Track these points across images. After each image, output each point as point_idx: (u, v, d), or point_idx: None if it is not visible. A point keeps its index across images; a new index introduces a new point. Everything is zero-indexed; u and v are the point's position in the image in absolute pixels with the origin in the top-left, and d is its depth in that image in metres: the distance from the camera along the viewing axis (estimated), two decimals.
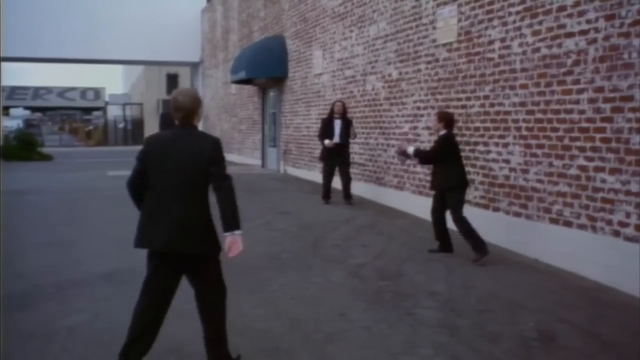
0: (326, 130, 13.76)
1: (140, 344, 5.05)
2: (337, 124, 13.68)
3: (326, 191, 13.94)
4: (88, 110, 70.25)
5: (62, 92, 69.43)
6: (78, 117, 70.49)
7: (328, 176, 13.99)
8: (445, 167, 8.97)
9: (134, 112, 61.53)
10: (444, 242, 9.27)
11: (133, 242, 5.00)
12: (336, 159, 13.79)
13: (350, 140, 13.95)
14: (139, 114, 59.13)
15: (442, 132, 9.08)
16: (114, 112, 65.29)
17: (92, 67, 70.04)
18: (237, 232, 4.87)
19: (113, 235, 10.85)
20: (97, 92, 69.79)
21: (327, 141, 13.63)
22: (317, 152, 17.67)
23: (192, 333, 6.07)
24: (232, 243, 4.85)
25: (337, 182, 14.01)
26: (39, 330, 6.20)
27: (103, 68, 75.05)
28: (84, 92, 70.20)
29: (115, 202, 14.57)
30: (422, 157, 9.36)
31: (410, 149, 9.25)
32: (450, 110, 10.91)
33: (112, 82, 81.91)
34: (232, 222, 4.88)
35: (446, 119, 9.15)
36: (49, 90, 68.62)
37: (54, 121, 69.06)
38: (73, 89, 70.11)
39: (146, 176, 4.93)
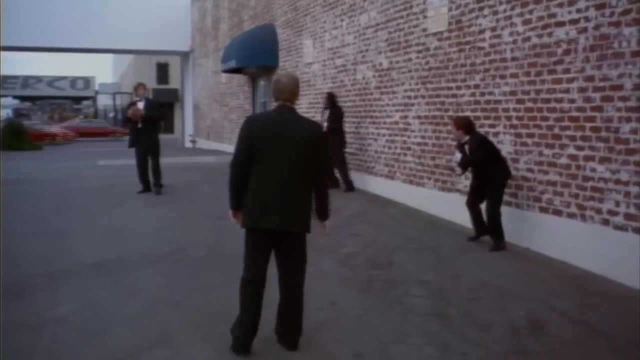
0: None
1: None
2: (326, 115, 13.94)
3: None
4: (78, 100, 70.14)
5: (52, 81, 69.24)
6: (68, 106, 70.34)
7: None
8: (490, 167, 8.80)
9: (124, 101, 61.30)
10: (482, 229, 9.10)
11: (245, 224, 5.26)
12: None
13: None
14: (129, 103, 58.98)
15: (466, 137, 8.92)
16: (104, 101, 65.17)
17: (82, 57, 69.93)
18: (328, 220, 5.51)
19: (103, 224, 10.86)
20: (87, 82, 69.63)
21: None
22: None
23: (181, 323, 6.09)
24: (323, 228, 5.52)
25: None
26: (30, 319, 6.19)
27: (93, 57, 74.94)
28: (73, 81, 70.03)
29: (105, 192, 14.62)
30: (465, 163, 9.03)
31: (457, 155, 9.07)
32: (442, 99, 10.94)
33: (102, 71, 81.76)
34: (325, 211, 5.47)
35: (464, 125, 8.98)
36: (38, 79, 68.43)
37: (44, 110, 68.90)
38: (63, 78, 69.93)
39: (252, 157, 5.14)
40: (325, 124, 13.33)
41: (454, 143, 9.42)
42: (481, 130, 9.89)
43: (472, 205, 9.12)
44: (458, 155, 9.02)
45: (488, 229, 8.96)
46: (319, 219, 5.44)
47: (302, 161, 5.17)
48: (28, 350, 5.50)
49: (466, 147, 8.94)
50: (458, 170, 9.33)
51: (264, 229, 5.19)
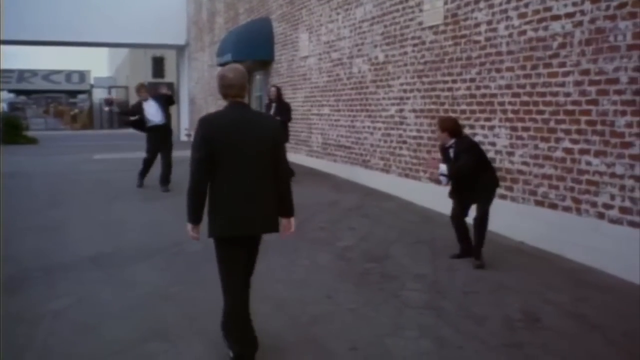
0: None
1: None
2: (273, 109, 14.44)
3: None
4: (73, 94, 69.91)
5: (47, 75, 69.03)
6: (63, 100, 70.15)
7: None
8: (480, 174, 7.84)
9: (119, 94, 61.21)
10: (468, 245, 8.08)
11: (213, 232, 4.90)
12: None
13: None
14: (125, 97, 58.83)
15: (451, 141, 7.93)
16: (99, 95, 65.01)
17: (77, 50, 69.72)
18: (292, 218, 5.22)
19: (99, 218, 10.86)
20: (83, 75, 69.40)
21: None
22: (303, 135, 17.68)
23: (176, 316, 6.10)
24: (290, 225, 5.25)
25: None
26: (26, 313, 6.20)
27: (88, 51, 74.74)
28: (69, 75, 69.81)
29: (101, 186, 14.62)
30: (454, 172, 7.86)
31: (443, 167, 7.93)
32: (438, 93, 10.94)
33: (98, 65, 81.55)
34: (291, 208, 5.21)
35: (450, 127, 7.99)
36: (33, 73, 68.19)
37: (39, 104, 68.71)
38: (58, 71, 69.71)
39: (212, 161, 4.79)
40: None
41: (438, 157, 8.58)
42: (476, 124, 9.90)
43: (459, 220, 8.13)
44: (444, 167, 7.91)
45: (474, 247, 7.96)
46: (285, 216, 5.16)
47: (264, 160, 4.90)
48: (24, 344, 5.50)
49: (450, 151, 7.99)
50: (444, 181, 8.08)
51: (238, 236, 4.92)
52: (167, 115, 14.08)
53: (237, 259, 4.98)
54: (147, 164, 14.14)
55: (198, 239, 5.05)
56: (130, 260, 8.16)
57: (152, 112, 13.78)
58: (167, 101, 14.15)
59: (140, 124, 13.96)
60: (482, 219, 7.87)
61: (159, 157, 13.91)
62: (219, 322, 5.24)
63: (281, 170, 5.05)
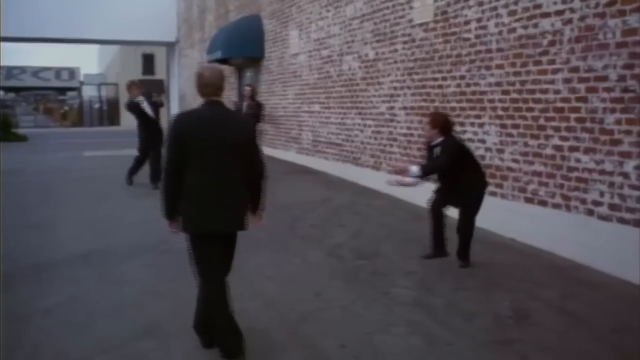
0: None
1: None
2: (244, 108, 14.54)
3: None
4: (63, 91, 69.62)
5: (36, 72, 68.68)
6: (53, 97, 69.88)
7: None
8: (466, 176, 7.59)
9: (109, 92, 61.00)
10: (442, 246, 7.92)
11: (185, 227, 5.00)
12: None
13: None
14: (115, 94, 58.63)
15: (439, 139, 7.65)
16: (89, 92, 64.75)
17: (66, 47, 69.26)
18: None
19: (90, 216, 10.84)
20: (72, 72, 69.11)
21: None
22: (294, 132, 17.68)
23: (167, 314, 6.10)
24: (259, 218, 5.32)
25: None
26: (17, 311, 6.18)
27: (78, 48, 74.31)
28: (58, 72, 69.49)
29: (92, 183, 14.58)
30: (428, 171, 7.60)
31: (414, 169, 7.52)
32: (428, 90, 10.95)
33: (87, 62, 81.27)
34: (261, 204, 5.25)
35: (441, 124, 7.68)
36: (22, 70, 67.82)
37: (28, 101, 68.44)
38: (47, 68, 69.40)
39: (184, 159, 4.86)
40: None
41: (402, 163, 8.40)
42: (466, 122, 9.92)
43: (437, 211, 7.82)
44: (415, 169, 7.52)
45: (457, 250, 7.77)
46: (255, 210, 5.23)
47: (238, 157, 4.95)
48: (14, 342, 5.48)
49: (436, 150, 7.72)
50: (412, 182, 7.64)
51: (211, 233, 4.97)
52: (157, 114, 14.15)
53: (209, 254, 5.04)
54: (139, 162, 14.13)
55: (176, 233, 5.14)
56: (121, 257, 8.15)
57: (147, 109, 13.89)
58: (156, 104, 14.27)
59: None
60: (466, 226, 7.68)
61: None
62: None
63: (254, 168, 5.10)
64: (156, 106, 14.19)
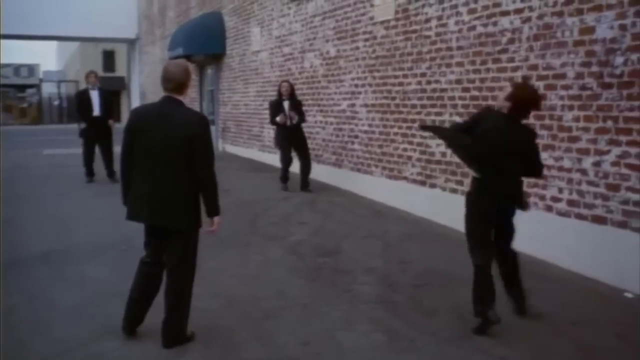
0: (276, 112, 12.81)
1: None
2: (286, 106, 12.84)
3: (283, 176, 13.05)
4: (22, 88, 68.71)
5: None
6: (12, 94, 68.90)
7: (286, 162, 13.05)
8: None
9: (69, 89, 60.30)
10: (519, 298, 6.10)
11: (126, 215, 5.30)
12: (291, 142, 12.96)
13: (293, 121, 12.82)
14: (75, 91, 58.02)
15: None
16: (48, 89, 64.02)
17: (25, 43, 68.46)
18: (215, 217, 5.22)
19: (50, 215, 10.72)
20: (31, 69, 68.21)
21: (278, 117, 12.65)
22: (255, 130, 17.65)
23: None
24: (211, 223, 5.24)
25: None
26: None
27: (37, 44, 73.47)
28: (17, 68, 68.50)
29: (51, 181, 14.41)
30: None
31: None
32: (389, 88, 10.99)
33: (47, 58, 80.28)
34: (211, 208, 5.17)
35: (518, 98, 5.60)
36: None
37: None
38: (6, 65, 68.34)
39: (132, 150, 5.09)
40: (295, 118, 12.73)
41: None
42: (427, 119, 9.98)
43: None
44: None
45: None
46: (208, 215, 5.20)
47: (179, 154, 4.95)
48: None
49: None
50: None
51: (138, 222, 5.22)
52: (107, 109, 14.26)
53: (148, 241, 5.33)
54: (85, 157, 14.29)
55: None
56: (81, 257, 8.07)
57: (96, 102, 14.01)
58: (107, 98, 14.43)
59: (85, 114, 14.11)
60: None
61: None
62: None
63: (201, 170, 5.04)
64: (106, 102, 14.27)
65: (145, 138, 5.00)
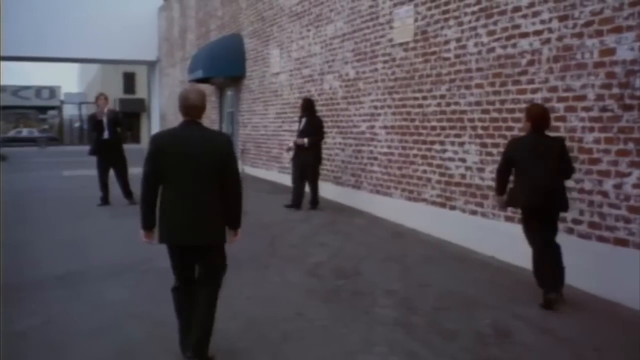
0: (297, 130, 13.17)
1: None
2: (303, 123, 13.05)
3: (295, 198, 13.18)
4: (43, 109, 69.40)
5: (16, 90, 68.44)
6: (33, 116, 69.63)
7: (294, 181, 13.29)
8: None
9: (90, 111, 60.77)
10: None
11: (159, 238, 5.24)
12: (296, 161, 13.18)
13: (300, 142, 12.90)
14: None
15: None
16: (69, 111, 64.62)
17: (47, 66, 69.07)
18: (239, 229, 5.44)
19: (68, 236, 10.75)
20: (53, 91, 68.94)
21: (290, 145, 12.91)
22: (275, 151, 17.68)
23: (145, 336, 6.04)
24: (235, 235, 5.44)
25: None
26: None
27: (59, 66, 74.12)
28: (39, 90, 69.28)
29: (70, 203, 14.48)
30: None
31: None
32: (409, 109, 10.98)
33: (68, 80, 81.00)
34: (236, 221, 5.38)
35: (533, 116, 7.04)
36: (2, 89, 67.50)
37: (8, 120, 68.14)
38: (27, 87, 69.17)
39: (160, 174, 5.16)
40: (304, 140, 12.78)
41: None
42: (447, 140, 9.96)
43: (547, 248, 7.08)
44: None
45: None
46: (231, 227, 5.39)
47: (210, 174, 5.16)
48: None
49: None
50: None
51: (173, 244, 5.26)
52: (115, 132, 14.08)
53: (179, 264, 5.36)
54: (100, 182, 14.17)
55: (150, 243, 5.40)
56: (99, 278, 8.08)
57: (105, 125, 13.96)
58: (114, 119, 14.16)
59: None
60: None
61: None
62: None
63: (230, 186, 5.25)
64: (116, 124, 14.10)
65: (176, 161, 5.11)
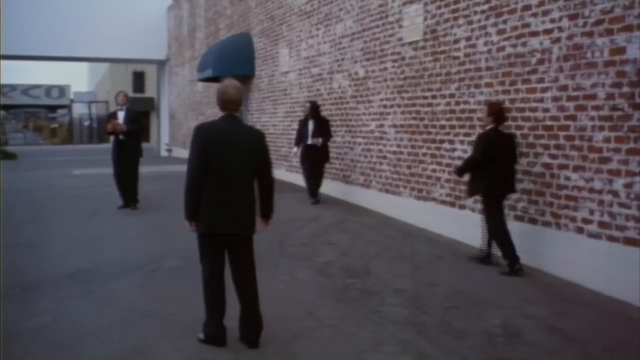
0: (300, 132, 13.82)
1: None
2: (310, 125, 13.53)
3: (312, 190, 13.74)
4: (53, 108, 69.53)
5: (27, 89, 68.55)
6: (43, 115, 69.79)
7: (307, 179, 13.89)
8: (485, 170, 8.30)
9: (99, 110, 60.97)
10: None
11: (199, 227, 5.54)
12: (305, 160, 13.76)
13: (315, 141, 13.41)
14: (105, 111, 58.51)
15: (489, 126, 8.38)
16: (79, 110, 64.78)
17: (57, 65, 69.24)
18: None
19: (78, 234, 10.79)
20: (62, 90, 69.05)
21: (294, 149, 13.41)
22: (284, 150, 17.70)
23: (155, 333, 6.05)
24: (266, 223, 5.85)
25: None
26: (3, 331, 6.11)
27: (68, 65, 74.31)
28: (48, 89, 69.38)
29: (80, 201, 14.52)
30: (460, 168, 8.84)
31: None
32: (418, 108, 10.97)
33: (78, 79, 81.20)
34: (270, 211, 5.80)
35: (495, 113, 8.33)
36: (12, 87, 67.68)
37: (18, 119, 68.34)
38: (37, 86, 69.30)
39: (205, 165, 5.43)
40: (319, 139, 13.38)
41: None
42: (456, 139, 9.95)
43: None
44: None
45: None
46: (264, 217, 5.78)
47: (249, 166, 5.53)
48: None
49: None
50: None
51: (219, 234, 5.48)
52: (133, 131, 13.45)
53: (218, 253, 5.59)
54: (117, 182, 13.54)
55: (195, 232, 5.62)
56: (110, 276, 8.10)
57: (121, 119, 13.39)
58: (134, 118, 13.60)
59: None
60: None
61: None
62: (198, 338, 5.55)
63: (265, 177, 5.66)
64: (134, 122, 13.48)
65: (222, 152, 5.40)
